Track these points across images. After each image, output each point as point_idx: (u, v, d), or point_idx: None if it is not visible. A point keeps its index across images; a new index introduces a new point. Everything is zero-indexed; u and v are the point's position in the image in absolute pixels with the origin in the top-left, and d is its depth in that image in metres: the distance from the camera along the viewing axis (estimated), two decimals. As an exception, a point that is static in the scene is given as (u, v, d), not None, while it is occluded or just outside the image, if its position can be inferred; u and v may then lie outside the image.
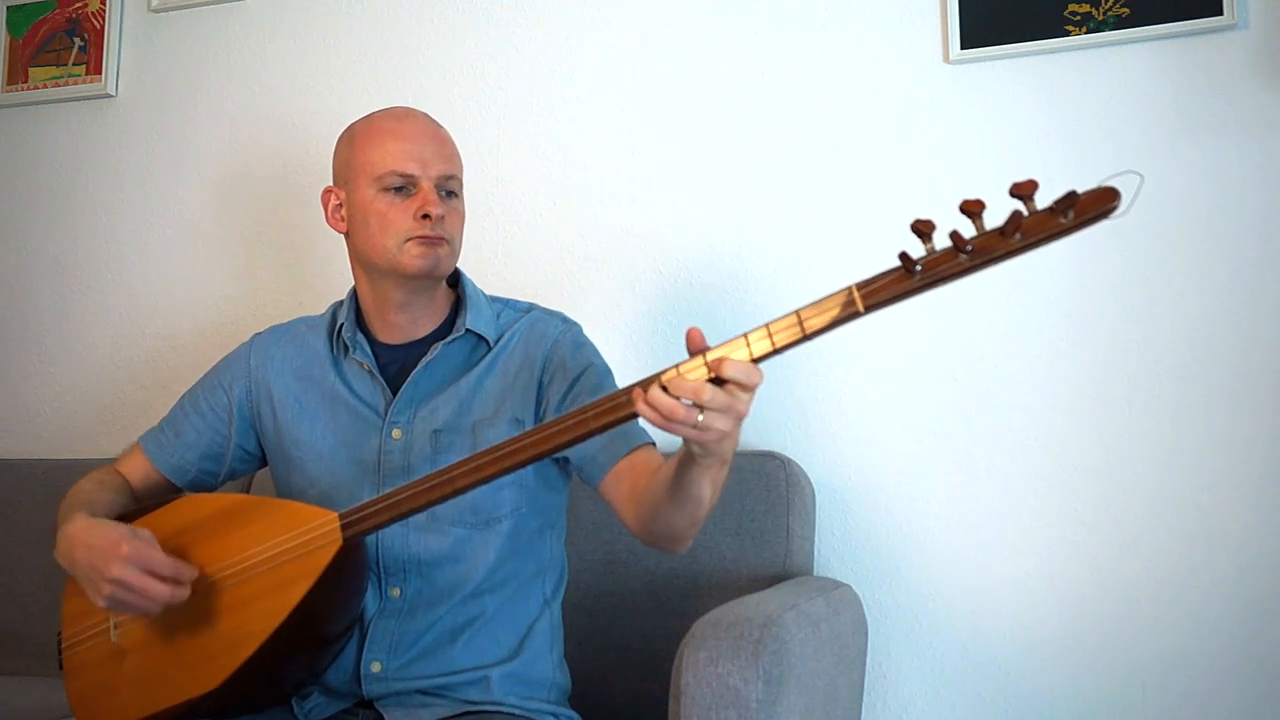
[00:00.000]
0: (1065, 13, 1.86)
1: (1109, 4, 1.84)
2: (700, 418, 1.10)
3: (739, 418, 1.12)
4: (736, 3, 2.05)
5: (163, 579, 1.33)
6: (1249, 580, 1.73)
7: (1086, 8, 1.85)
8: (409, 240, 1.48)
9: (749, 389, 1.11)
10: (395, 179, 1.49)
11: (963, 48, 1.90)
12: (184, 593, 1.35)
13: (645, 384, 1.14)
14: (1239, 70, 1.79)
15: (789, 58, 2.02)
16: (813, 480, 1.86)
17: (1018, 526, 1.84)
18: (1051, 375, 1.84)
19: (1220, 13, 1.78)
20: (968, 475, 1.86)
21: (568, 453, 1.47)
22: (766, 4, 2.04)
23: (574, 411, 1.21)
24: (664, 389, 1.12)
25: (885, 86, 1.96)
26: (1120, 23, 1.83)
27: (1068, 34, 1.85)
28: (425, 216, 1.48)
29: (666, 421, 1.11)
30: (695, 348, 1.13)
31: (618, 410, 1.17)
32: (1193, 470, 1.77)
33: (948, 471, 1.87)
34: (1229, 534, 1.74)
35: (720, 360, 1.10)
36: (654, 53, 2.09)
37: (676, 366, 1.13)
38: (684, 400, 1.11)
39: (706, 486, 1.25)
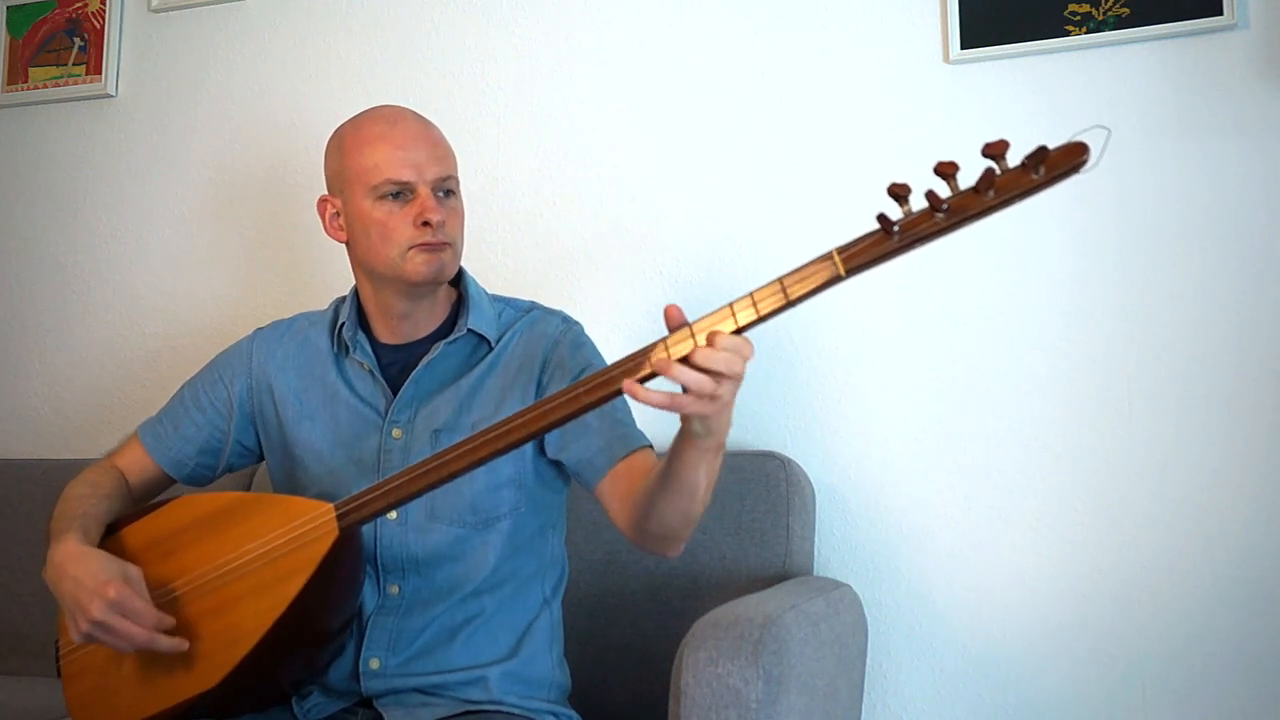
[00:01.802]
0: (1065, 13, 1.86)
1: (1109, 4, 1.84)
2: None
3: (738, 379, 1.14)
4: (736, 3, 2.05)
5: (143, 627, 1.33)
6: (1248, 579, 1.73)
7: (1086, 8, 1.85)
8: (411, 248, 1.47)
9: (744, 358, 1.13)
10: (391, 187, 1.47)
11: (963, 48, 1.90)
12: (161, 642, 1.34)
13: (633, 358, 1.15)
14: (1239, 70, 1.79)
15: (789, 58, 2.02)
16: (813, 480, 1.86)
17: (1018, 526, 1.84)
18: (1051, 375, 1.84)
19: (1220, 13, 1.78)
20: (968, 475, 1.86)
21: (565, 458, 1.48)
22: (766, 4, 2.04)
23: (564, 389, 1.21)
24: (685, 361, 1.12)
25: (885, 86, 1.96)
26: (1120, 23, 1.83)
27: (1068, 34, 1.85)
28: (426, 224, 1.46)
29: (701, 380, 1.11)
30: (675, 323, 1.14)
31: (609, 385, 1.17)
32: (1193, 470, 1.77)
33: (948, 471, 1.87)
34: (1228, 534, 1.74)
35: (714, 335, 1.12)
36: (654, 53, 2.09)
37: (663, 341, 1.14)
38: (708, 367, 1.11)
39: (701, 474, 1.25)
